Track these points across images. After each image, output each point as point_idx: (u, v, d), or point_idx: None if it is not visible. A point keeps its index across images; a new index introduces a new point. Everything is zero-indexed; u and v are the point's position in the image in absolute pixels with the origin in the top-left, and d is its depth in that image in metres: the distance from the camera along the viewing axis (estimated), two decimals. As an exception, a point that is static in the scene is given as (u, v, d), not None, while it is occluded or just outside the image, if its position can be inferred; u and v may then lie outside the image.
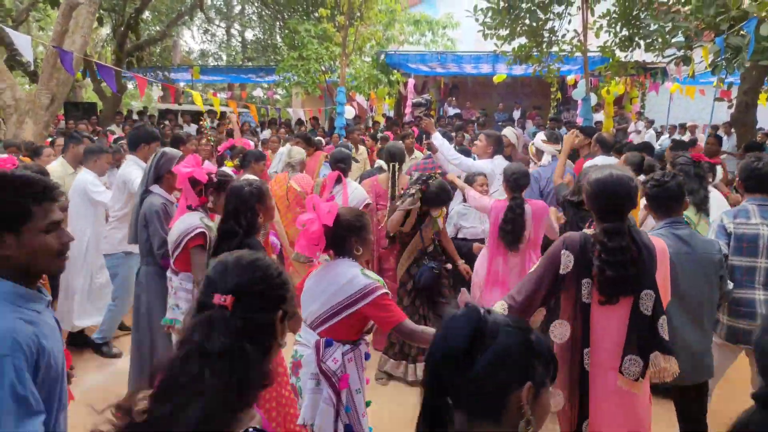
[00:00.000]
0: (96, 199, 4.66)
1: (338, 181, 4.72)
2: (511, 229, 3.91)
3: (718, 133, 12.02)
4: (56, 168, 5.10)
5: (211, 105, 13.35)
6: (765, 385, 1.28)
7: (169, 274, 3.28)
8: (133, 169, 4.36)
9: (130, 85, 19.63)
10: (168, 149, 3.69)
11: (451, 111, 16.32)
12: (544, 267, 2.34)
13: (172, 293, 3.24)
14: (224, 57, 24.13)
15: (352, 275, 2.46)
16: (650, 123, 14.30)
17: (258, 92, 20.83)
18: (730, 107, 7.97)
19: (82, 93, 19.55)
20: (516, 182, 3.98)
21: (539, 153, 5.66)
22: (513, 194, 4.01)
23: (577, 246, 2.29)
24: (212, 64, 23.51)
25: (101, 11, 13.22)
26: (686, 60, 6.75)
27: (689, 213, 3.73)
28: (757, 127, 8.17)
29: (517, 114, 16.42)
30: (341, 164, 4.78)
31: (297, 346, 2.60)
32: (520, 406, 1.12)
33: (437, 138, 5.27)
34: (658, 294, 2.24)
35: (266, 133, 12.12)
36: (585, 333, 2.29)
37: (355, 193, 4.68)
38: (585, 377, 2.30)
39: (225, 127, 10.84)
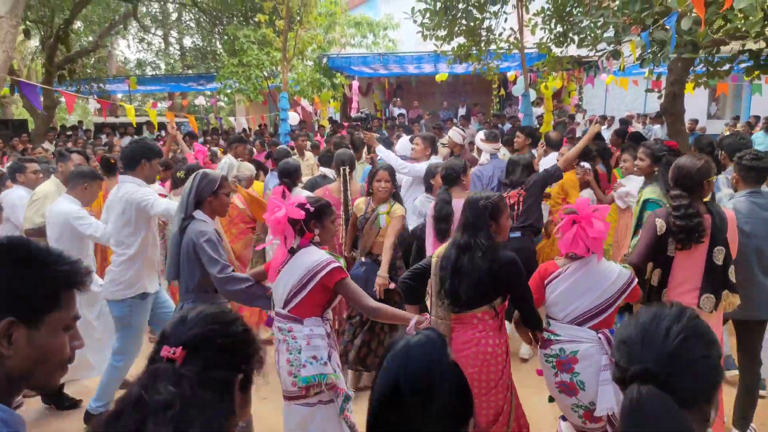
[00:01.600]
0: (85, 234, 3.85)
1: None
2: (442, 220, 3.98)
3: (648, 122, 12.54)
4: (50, 189, 4.49)
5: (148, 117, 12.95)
6: (618, 367, 1.26)
7: (282, 325, 2.84)
8: (143, 191, 3.68)
9: (62, 100, 18.84)
10: (209, 171, 3.20)
11: (397, 111, 16.43)
12: (647, 232, 3.09)
13: (297, 346, 2.77)
14: (162, 66, 23.47)
15: None
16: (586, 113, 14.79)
17: (200, 100, 20.39)
18: (659, 98, 8.30)
19: (11, 110, 18.63)
20: (447, 177, 4.13)
21: (479, 151, 5.78)
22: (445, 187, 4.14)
23: (663, 214, 3.07)
24: (150, 73, 22.83)
25: (27, 23, 12.63)
26: (616, 54, 6.99)
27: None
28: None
29: (462, 111, 16.69)
30: (286, 179, 4.68)
31: (556, 345, 2.80)
32: None
33: (381, 150, 5.31)
34: (728, 249, 3.00)
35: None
36: (664, 279, 3.09)
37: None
38: None
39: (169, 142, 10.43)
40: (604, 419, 2.74)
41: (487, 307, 2.79)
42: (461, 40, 9.75)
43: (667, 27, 5.38)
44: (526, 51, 9.98)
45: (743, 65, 7.45)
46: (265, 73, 13.72)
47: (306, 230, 2.87)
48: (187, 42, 23.09)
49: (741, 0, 4.80)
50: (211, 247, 2.97)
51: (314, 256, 2.81)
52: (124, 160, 3.89)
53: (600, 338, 2.74)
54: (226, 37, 15.16)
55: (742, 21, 5.29)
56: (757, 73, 7.37)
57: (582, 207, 2.73)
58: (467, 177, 4.25)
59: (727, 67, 7.44)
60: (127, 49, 22.90)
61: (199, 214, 3.08)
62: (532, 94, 10.46)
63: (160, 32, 23.23)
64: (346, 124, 10.78)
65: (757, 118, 12.58)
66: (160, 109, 25.48)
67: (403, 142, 5.99)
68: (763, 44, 6.46)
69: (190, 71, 20.94)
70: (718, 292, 3.01)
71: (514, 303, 2.87)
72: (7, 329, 1.05)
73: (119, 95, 20.49)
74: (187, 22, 22.00)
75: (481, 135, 5.87)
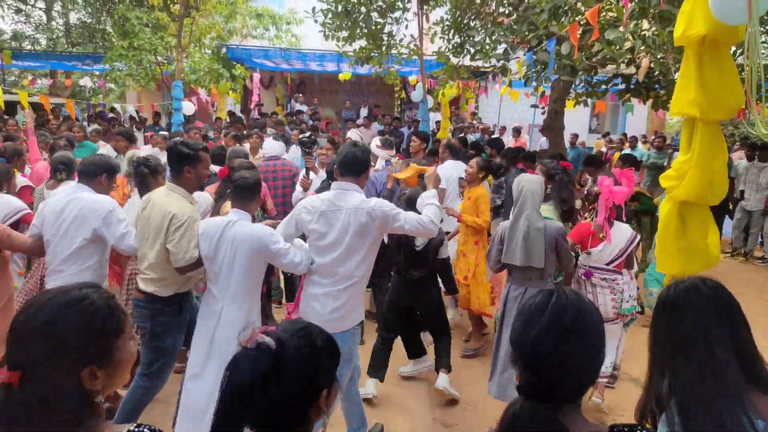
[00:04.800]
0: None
1: None
2: None
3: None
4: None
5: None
6: (528, 376, 1.33)
7: (608, 276, 4.02)
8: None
9: None
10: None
11: (299, 107, 16.20)
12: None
13: (620, 289, 4.00)
14: (43, 41, 21.48)
15: None
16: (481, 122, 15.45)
17: (86, 81, 18.88)
18: (543, 113, 8.87)
19: None
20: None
21: (374, 157, 5.86)
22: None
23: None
24: (28, 47, 20.82)
25: None
26: (504, 70, 7.38)
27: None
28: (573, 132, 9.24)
29: (364, 112, 16.78)
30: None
31: None
32: (319, 409, 1.30)
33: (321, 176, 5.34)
34: None
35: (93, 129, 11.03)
36: None
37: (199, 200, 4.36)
38: None
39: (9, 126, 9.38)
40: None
41: None
42: (363, 42, 9.83)
43: (547, 50, 5.75)
44: (425, 58, 10.24)
45: (617, 88, 8.15)
46: (159, 59, 12.99)
47: None
48: (73, 18, 21.29)
49: (611, 32, 5.23)
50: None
51: None
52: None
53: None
54: (116, 17, 14.14)
55: (613, 50, 5.77)
56: (628, 95, 8.09)
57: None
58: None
59: (603, 88, 8.10)
60: (0, 19, 20.55)
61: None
62: (430, 101, 10.75)
63: (41, 4, 21.23)
64: (240, 126, 10.41)
65: (626, 134, 13.81)
66: (40, 87, 23.37)
67: (271, 143, 5.89)
68: (634, 69, 7.10)
69: (74, 49, 19.32)
70: None
71: None
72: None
73: (-10, 69, 18.51)
74: (74, -4, 20.31)
75: (376, 141, 5.99)
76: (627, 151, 11.49)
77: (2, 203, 3.87)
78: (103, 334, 1.24)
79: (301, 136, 5.96)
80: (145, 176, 3.83)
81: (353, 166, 3.12)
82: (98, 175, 3.46)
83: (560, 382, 1.31)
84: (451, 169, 5.86)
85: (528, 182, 3.73)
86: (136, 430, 1.27)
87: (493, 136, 12.39)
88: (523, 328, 1.37)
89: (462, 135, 10.24)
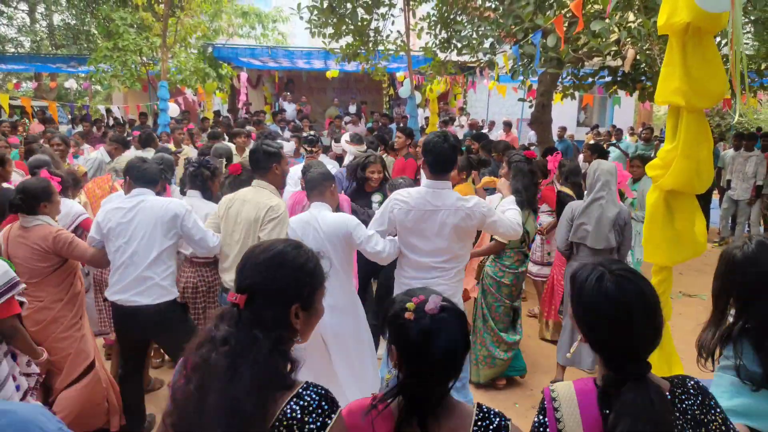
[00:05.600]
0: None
1: None
2: None
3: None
4: None
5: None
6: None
7: None
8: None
9: None
10: None
11: (287, 106, 16.13)
12: None
13: None
14: (26, 44, 21.21)
15: None
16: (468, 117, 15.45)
17: (71, 83, 18.69)
18: (530, 107, 8.87)
19: None
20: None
21: (344, 152, 5.96)
22: None
23: None
24: (11, 50, 20.56)
25: None
26: (491, 64, 7.36)
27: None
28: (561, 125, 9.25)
29: (352, 109, 16.74)
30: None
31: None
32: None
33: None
34: None
35: (78, 130, 10.93)
36: None
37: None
38: None
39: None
40: None
41: None
42: (350, 39, 9.78)
43: (533, 43, 5.74)
44: (412, 54, 10.21)
45: (603, 80, 8.16)
46: (144, 59, 12.87)
47: None
48: (57, 19, 21.05)
49: (596, 23, 5.23)
50: None
51: None
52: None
53: None
54: (100, 18, 13.98)
55: (599, 41, 5.77)
56: (615, 87, 8.10)
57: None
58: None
59: (590, 81, 8.11)
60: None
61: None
62: (418, 97, 10.72)
63: (23, 6, 20.97)
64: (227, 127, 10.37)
65: (614, 127, 13.86)
66: (25, 90, 23.09)
67: (288, 145, 5.93)
68: (620, 62, 7.12)
69: (59, 51, 19.10)
70: None
71: None
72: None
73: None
74: (57, -3, 20.06)
75: (346, 137, 6.10)
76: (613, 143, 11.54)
77: (65, 209, 3.77)
78: (313, 277, 1.48)
79: (304, 134, 6.04)
80: (205, 178, 3.91)
81: (447, 164, 3.07)
82: (159, 180, 3.44)
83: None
84: None
85: (604, 169, 4.00)
86: (306, 385, 1.38)
87: (481, 131, 12.41)
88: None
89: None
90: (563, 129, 12.23)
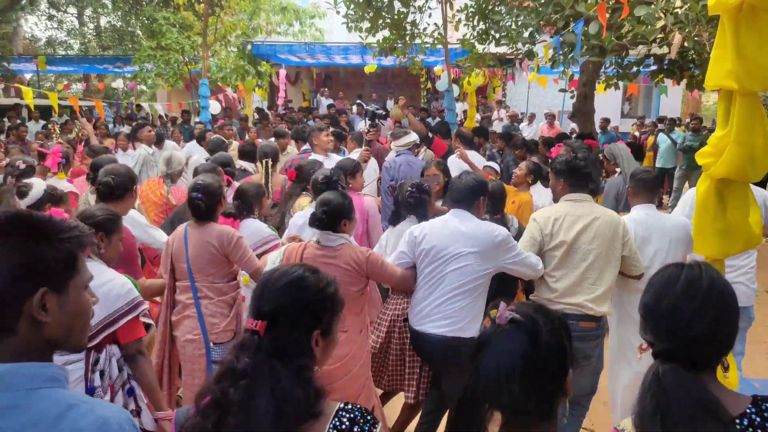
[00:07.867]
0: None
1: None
2: None
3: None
4: None
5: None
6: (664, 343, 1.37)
7: None
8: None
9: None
10: None
11: (325, 102, 16.22)
12: None
13: None
14: (76, 46, 22.01)
15: None
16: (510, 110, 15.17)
17: (118, 84, 19.29)
18: (572, 98, 8.64)
19: None
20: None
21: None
22: None
23: None
24: (62, 53, 21.37)
25: None
26: (530, 54, 7.19)
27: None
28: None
29: (390, 104, 16.69)
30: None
31: None
32: (565, 392, 1.28)
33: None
34: None
35: (125, 130, 11.26)
36: None
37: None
38: None
39: (81, 131, 9.81)
40: None
41: None
42: (386, 33, 9.73)
43: (574, 32, 5.57)
44: (450, 47, 10.08)
45: (649, 69, 7.86)
46: (186, 58, 13.15)
47: None
48: (103, 21, 21.74)
49: (641, 8, 5.03)
50: None
51: None
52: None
53: None
54: (144, 19, 14.36)
55: (644, 28, 5.55)
56: (661, 76, 7.81)
57: None
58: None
59: (635, 69, 7.83)
60: (35, 26, 21.11)
61: None
62: (456, 90, 10.59)
63: (72, 10, 21.75)
64: (266, 123, 10.50)
65: (661, 119, 13.27)
66: (75, 92, 23.94)
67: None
68: (666, 49, 6.85)
69: (106, 53, 19.74)
70: None
71: None
72: (42, 299, 1.13)
73: (27, 75, 19.08)
74: (103, 1, 20.71)
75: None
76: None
77: (253, 230, 3.47)
78: (333, 302, 1.44)
79: (370, 107, 6.10)
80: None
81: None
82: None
83: (700, 346, 1.33)
84: (460, 160, 5.53)
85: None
86: (348, 407, 1.33)
87: (515, 123, 12.16)
88: (657, 296, 1.41)
89: (479, 125, 10.05)
90: (606, 120, 11.88)
